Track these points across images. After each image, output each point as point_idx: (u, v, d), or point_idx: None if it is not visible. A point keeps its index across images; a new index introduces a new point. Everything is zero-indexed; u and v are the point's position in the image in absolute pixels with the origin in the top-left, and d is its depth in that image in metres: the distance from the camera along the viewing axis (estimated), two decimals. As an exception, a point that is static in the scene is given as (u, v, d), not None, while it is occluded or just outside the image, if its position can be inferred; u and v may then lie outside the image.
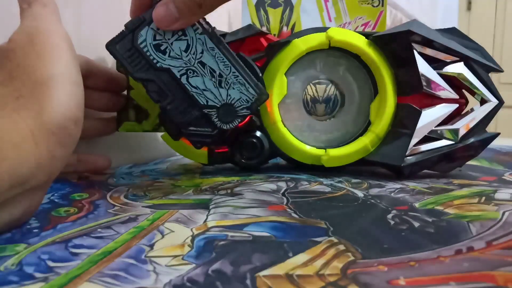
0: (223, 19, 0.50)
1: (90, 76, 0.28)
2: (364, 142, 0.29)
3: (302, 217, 0.19)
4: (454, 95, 0.28)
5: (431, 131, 0.28)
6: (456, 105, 0.28)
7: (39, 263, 0.14)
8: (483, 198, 0.22)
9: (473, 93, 0.28)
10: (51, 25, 0.19)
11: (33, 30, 0.19)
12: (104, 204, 0.22)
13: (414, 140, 0.28)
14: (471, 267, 0.14)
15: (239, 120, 0.24)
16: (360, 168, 0.30)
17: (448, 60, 0.28)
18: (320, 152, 0.29)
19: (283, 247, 0.16)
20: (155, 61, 0.23)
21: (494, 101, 0.28)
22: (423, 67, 0.27)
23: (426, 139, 0.28)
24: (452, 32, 0.29)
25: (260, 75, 0.29)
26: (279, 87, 0.29)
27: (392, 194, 0.24)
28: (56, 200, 0.23)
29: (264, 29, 0.45)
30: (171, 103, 0.23)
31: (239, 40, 0.30)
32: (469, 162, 0.30)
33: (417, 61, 0.27)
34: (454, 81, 0.28)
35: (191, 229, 0.18)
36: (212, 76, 0.23)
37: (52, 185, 0.26)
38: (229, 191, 0.25)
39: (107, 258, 0.15)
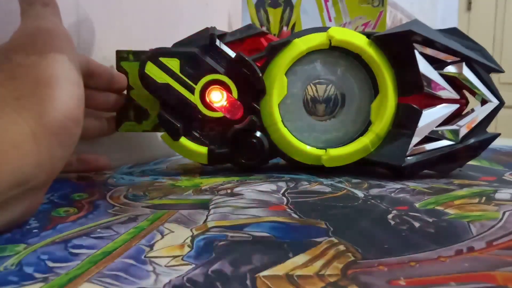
0: (223, 19, 0.50)
1: (91, 75, 0.28)
2: (365, 142, 0.29)
3: (302, 217, 0.19)
4: (455, 95, 0.28)
5: (432, 131, 0.28)
6: (457, 106, 0.28)
7: (38, 263, 0.14)
8: (484, 198, 0.22)
9: (473, 94, 0.28)
10: (52, 25, 0.19)
11: (34, 30, 0.19)
12: (104, 204, 0.22)
13: (414, 140, 0.28)
14: (471, 267, 0.14)
15: None
16: (360, 168, 0.30)
17: (449, 60, 0.28)
18: (320, 152, 0.29)
19: (283, 247, 0.16)
20: None
21: (495, 102, 0.28)
22: (424, 67, 0.27)
23: (426, 139, 0.28)
24: (452, 32, 0.29)
25: (260, 75, 0.29)
26: (279, 87, 0.29)
27: (393, 194, 0.24)
28: (55, 200, 0.23)
29: (264, 29, 0.45)
30: None
31: (239, 40, 0.30)
32: (469, 162, 0.30)
33: (417, 61, 0.27)
34: (455, 81, 0.28)
35: (191, 230, 0.18)
36: None
37: (52, 185, 0.26)
38: (229, 191, 0.25)
39: (107, 259, 0.15)
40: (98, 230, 0.18)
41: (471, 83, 0.28)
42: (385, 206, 0.21)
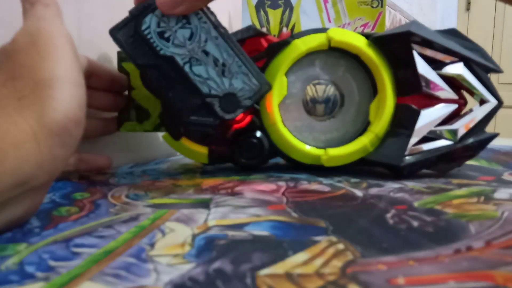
0: (223, 20, 0.50)
1: (92, 76, 0.28)
2: (364, 142, 0.29)
3: (301, 217, 0.20)
4: (454, 96, 0.28)
5: (430, 131, 0.28)
6: (456, 106, 0.28)
7: (40, 262, 0.14)
8: (482, 197, 0.23)
9: (472, 94, 0.28)
10: (53, 25, 0.19)
11: (36, 31, 0.19)
12: (105, 204, 0.22)
13: (413, 140, 0.28)
14: (470, 266, 0.14)
15: (241, 110, 0.24)
16: (359, 167, 0.30)
17: (447, 61, 0.28)
18: (320, 152, 0.29)
19: (283, 246, 0.16)
20: (158, 48, 0.22)
21: (493, 102, 0.28)
22: (423, 68, 0.27)
23: (425, 139, 0.28)
24: (451, 33, 0.29)
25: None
26: (279, 87, 0.29)
27: (391, 194, 0.24)
28: (57, 200, 0.23)
29: (264, 30, 0.45)
30: (173, 91, 0.23)
31: (239, 41, 0.30)
32: (468, 162, 0.30)
33: (416, 61, 0.27)
34: (453, 82, 0.28)
35: (192, 228, 0.18)
36: (215, 65, 0.23)
37: (53, 185, 0.26)
38: (229, 190, 0.25)
39: (108, 257, 0.15)
40: (100, 229, 0.18)
41: (469, 83, 0.28)
42: (384, 206, 0.21)
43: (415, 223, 0.18)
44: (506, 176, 0.29)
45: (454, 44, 0.28)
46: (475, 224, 0.18)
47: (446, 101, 0.28)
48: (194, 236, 0.17)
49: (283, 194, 0.24)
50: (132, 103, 0.31)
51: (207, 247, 0.16)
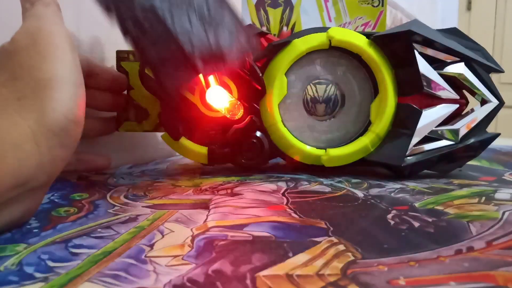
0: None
1: (91, 76, 0.28)
2: (364, 142, 0.29)
3: (302, 217, 0.20)
4: (455, 95, 0.28)
5: (432, 131, 0.28)
6: (457, 106, 0.28)
7: (39, 263, 0.14)
8: (483, 198, 0.22)
9: (473, 94, 0.28)
10: (53, 25, 0.19)
11: (36, 30, 0.19)
12: (104, 204, 0.22)
13: (414, 140, 0.28)
14: (471, 267, 0.14)
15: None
16: (360, 168, 0.30)
17: (448, 60, 0.28)
18: (320, 152, 0.29)
19: (283, 247, 0.16)
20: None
21: (494, 102, 0.28)
22: (424, 67, 0.27)
23: (426, 139, 0.28)
24: (452, 32, 0.29)
25: (260, 75, 0.29)
26: (279, 87, 0.29)
27: (392, 194, 0.24)
28: (56, 200, 0.23)
29: (264, 29, 0.45)
30: (148, 35, 0.20)
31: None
32: (469, 162, 0.30)
33: (417, 61, 0.27)
34: (454, 82, 0.28)
35: (191, 229, 0.18)
36: (199, 18, 0.21)
37: (52, 185, 0.26)
38: (229, 191, 0.25)
39: (107, 258, 0.15)
40: (99, 229, 0.18)
41: (471, 83, 0.28)
42: (385, 206, 0.21)
43: (416, 224, 0.18)
44: (507, 176, 0.29)
45: (455, 44, 0.28)
46: (476, 225, 0.18)
47: (447, 101, 0.28)
48: (193, 237, 0.17)
49: (283, 194, 0.24)
50: (131, 103, 0.30)
51: (206, 248, 0.16)
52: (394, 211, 0.20)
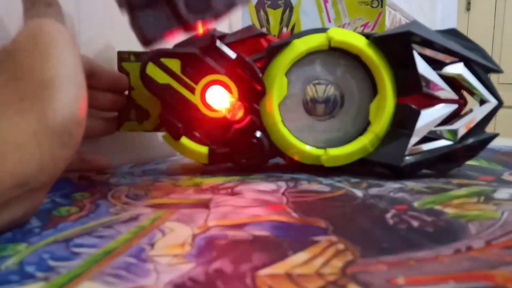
0: (223, 20, 0.50)
1: (92, 76, 0.28)
2: (364, 142, 0.29)
3: (301, 217, 0.20)
4: (454, 96, 0.28)
5: (430, 131, 0.28)
6: (456, 106, 0.28)
7: (40, 262, 0.14)
8: (482, 197, 0.23)
9: (472, 94, 0.28)
10: (54, 25, 0.19)
11: (37, 31, 0.19)
12: (105, 204, 0.22)
13: (413, 140, 0.28)
14: (470, 267, 0.14)
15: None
16: (359, 168, 0.30)
17: (447, 61, 0.28)
18: (320, 152, 0.29)
19: (283, 246, 0.16)
20: None
21: (493, 102, 0.28)
22: (423, 68, 0.27)
23: (425, 139, 0.28)
24: (451, 33, 0.29)
25: (260, 75, 0.29)
26: (279, 87, 0.29)
27: (391, 194, 0.24)
28: (57, 200, 0.23)
29: (264, 30, 0.45)
30: None
31: (240, 40, 0.30)
32: (468, 162, 0.30)
33: (416, 61, 0.27)
34: (453, 82, 0.28)
35: (192, 228, 0.18)
36: None
37: (53, 185, 0.26)
38: (229, 190, 0.25)
39: (108, 257, 0.15)
40: (100, 229, 0.18)
41: (469, 83, 0.28)
42: (384, 206, 0.21)
43: (415, 223, 0.18)
44: (506, 176, 0.29)
45: (454, 44, 0.28)
46: (475, 224, 0.18)
47: (446, 101, 0.28)
48: (194, 236, 0.17)
49: (283, 194, 0.24)
50: (132, 103, 0.31)
51: (207, 247, 0.16)
52: (393, 211, 0.20)
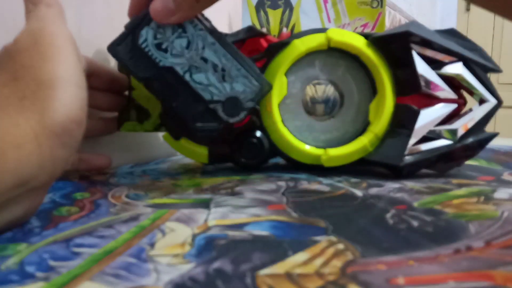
0: (223, 20, 0.50)
1: (92, 76, 0.28)
2: (363, 142, 0.29)
3: (301, 217, 0.20)
4: (453, 95, 0.28)
5: (430, 131, 0.28)
6: (455, 105, 0.28)
7: (40, 262, 0.14)
8: (482, 197, 0.23)
9: (471, 93, 0.28)
10: (56, 26, 0.19)
11: (38, 31, 0.19)
12: (105, 204, 0.22)
13: (412, 140, 0.28)
14: (470, 266, 0.14)
15: (245, 112, 0.24)
16: (359, 167, 0.30)
17: (446, 61, 0.28)
18: (320, 152, 0.30)
19: (283, 246, 0.16)
20: (157, 60, 0.23)
21: (493, 101, 0.28)
22: (422, 68, 0.27)
23: (424, 139, 0.28)
24: (451, 33, 0.29)
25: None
26: (279, 87, 0.29)
27: (391, 194, 0.24)
28: (57, 200, 0.23)
29: (264, 30, 0.45)
30: (176, 100, 0.23)
31: (239, 41, 0.30)
32: (468, 162, 0.30)
33: (415, 61, 0.27)
34: (453, 82, 0.28)
35: (192, 228, 0.18)
36: (215, 71, 0.23)
37: (53, 185, 0.26)
38: (229, 190, 0.25)
39: (108, 257, 0.15)
40: (100, 229, 0.18)
41: (469, 83, 0.28)
42: (384, 206, 0.21)
43: (415, 223, 0.18)
44: (506, 176, 0.29)
45: (453, 44, 0.28)
46: (474, 224, 0.18)
47: (445, 100, 0.28)
48: (194, 236, 0.17)
49: (283, 194, 0.24)
50: (132, 103, 0.31)
51: (207, 247, 0.16)
52: (393, 211, 0.20)
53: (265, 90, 0.24)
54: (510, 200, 0.22)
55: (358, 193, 0.24)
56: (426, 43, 0.27)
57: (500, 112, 0.29)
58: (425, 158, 0.28)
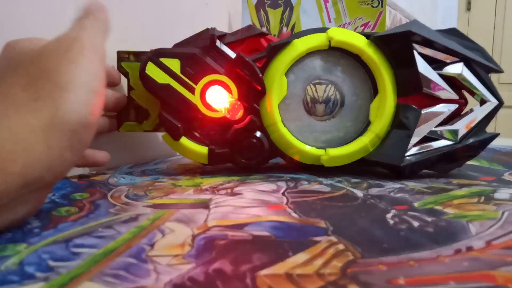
0: (223, 20, 0.50)
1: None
2: (364, 142, 0.29)
3: (301, 217, 0.20)
4: (454, 96, 0.28)
5: (431, 131, 0.28)
6: (456, 106, 0.28)
7: (39, 262, 0.14)
8: (483, 198, 0.23)
9: (472, 94, 0.28)
10: (92, 39, 0.20)
11: (72, 40, 0.19)
12: (105, 204, 0.22)
13: (413, 140, 0.28)
14: (470, 267, 0.14)
15: None
16: (360, 168, 0.30)
17: (448, 61, 0.28)
18: (320, 152, 0.29)
19: (283, 246, 0.16)
20: None
21: (494, 102, 0.28)
22: (423, 68, 0.27)
23: (426, 139, 0.28)
24: (452, 32, 0.29)
25: (260, 75, 0.29)
26: (279, 87, 0.29)
27: (392, 194, 0.24)
28: (57, 200, 0.23)
29: (264, 29, 0.45)
30: None
31: (239, 40, 0.30)
32: (469, 162, 0.30)
33: (417, 61, 0.27)
34: (454, 82, 0.28)
35: (192, 229, 0.18)
36: None
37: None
38: (229, 190, 0.25)
39: (108, 258, 0.15)
40: (99, 229, 0.18)
41: (470, 83, 0.28)
42: (384, 206, 0.21)
43: (416, 223, 0.18)
44: (507, 176, 0.29)
45: (455, 44, 0.28)
46: (475, 224, 0.18)
47: (446, 101, 0.28)
48: (194, 236, 0.17)
49: (283, 194, 0.24)
50: (132, 103, 0.30)
51: (207, 247, 0.16)
52: (393, 211, 0.20)
53: None
54: (511, 200, 0.22)
55: (359, 193, 0.24)
56: (428, 42, 0.27)
57: (500, 112, 0.29)
58: (426, 159, 0.28)
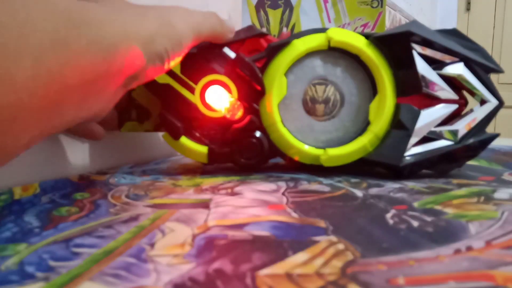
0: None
1: None
2: (363, 142, 0.29)
3: (301, 217, 0.20)
4: (454, 96, 0.28)
5: (431, 132, 0.28)
6: (456, 106, 0.28)
7: (40, 262, 0.14)
8: (482, 197, 0.23)
9: (472, 94, 0.28)
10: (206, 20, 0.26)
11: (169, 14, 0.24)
12: (105, 204, 0.22)
13: (413, 140, 0.28)
14: (470, 266, 0.14)
15: None
16: (359, 168, 0.30)
17: (447, 61, 0.28)
18: (319, 152, 0.29)
19: (283, 246, 0.16)
20: None
21: (494, 102, 0.28)
22: (423, 68, 0.27)
23: (425, 140, 0.28)
24: (452, 32, 0.29)
25: (260, 75, 0.29)
26: (279, 87, 0.29)
27: (391, 194, 0.24)
28: (57, 200, 0.23)
29: (264, 30, 0.45)
30: None
31: (239, 41, 0.30)
32: (468, 162, 0.30)
33: (416, 61, 0.27)
34: (454, 82, 0.28)
35: (192, 228, 0.18)
36: None
37: (53, 185, 0.26)
38: (229, 190, 0.25)
39: (108, 257, 0.15)
40: (100, 229, 0.18)
41: (470, 83, 0.28)
42: (384, 206, 0.21)
43: (415, 223, 0.18)
44: (506, 176, 0.29)
45: (455, 44, 0.28)
46: (475, 224, 0.18)
47: (446, 101, 0.28)
48: (194, 236, 0.17)
49: (283, 194, 0.24)
50: (133, 103, 0.31)
51: (207, 247, 0.16)
52: (393, 211, 0.20)
53: None
54: (511, 200, 0.22)
55: (358, 193, 0.24)
56: (427, 43, 0.27)
57: (500, 112, 0.29)
58: (426, 159, 0.28)
